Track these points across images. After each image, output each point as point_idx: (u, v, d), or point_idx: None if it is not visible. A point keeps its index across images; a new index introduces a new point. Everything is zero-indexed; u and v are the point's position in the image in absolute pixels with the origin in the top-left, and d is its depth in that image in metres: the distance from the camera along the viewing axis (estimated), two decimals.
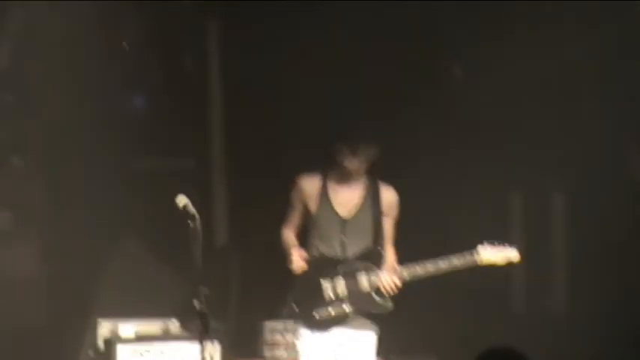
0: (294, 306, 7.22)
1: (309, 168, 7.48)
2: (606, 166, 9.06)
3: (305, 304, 7.14)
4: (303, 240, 7.39)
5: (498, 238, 7.58)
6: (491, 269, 7.98)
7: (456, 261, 7.05)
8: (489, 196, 9.02)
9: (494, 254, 7.08)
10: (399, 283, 7.03)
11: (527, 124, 9.06)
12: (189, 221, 6.55)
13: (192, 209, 6.57)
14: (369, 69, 9.12)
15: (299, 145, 8.81)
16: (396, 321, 7.68)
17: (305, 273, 7.16)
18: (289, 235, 7.25)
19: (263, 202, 7.53)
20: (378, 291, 7.05)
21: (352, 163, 7.14)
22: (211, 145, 9.60)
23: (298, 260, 7.07)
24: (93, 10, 8.78)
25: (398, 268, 7.10)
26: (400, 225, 7.49)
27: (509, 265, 7.09)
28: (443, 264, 7.05)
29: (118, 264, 8.97)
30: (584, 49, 8.92)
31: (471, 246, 7.27)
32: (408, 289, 7.61)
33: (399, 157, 8.47)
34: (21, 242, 8.89)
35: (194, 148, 9.52)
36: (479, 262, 7.03)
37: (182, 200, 6.57)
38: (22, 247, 8.97)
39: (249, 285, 8.10)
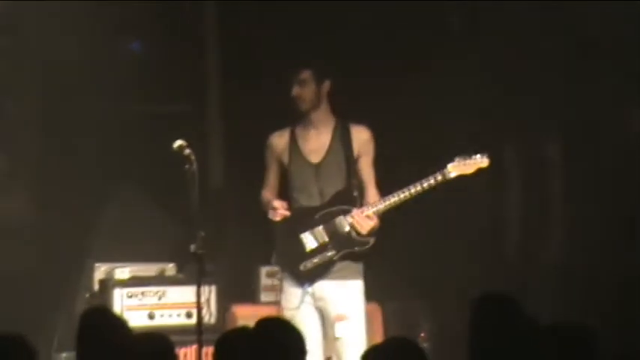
0: (279, 263, 7.20)
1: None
2: (604, 119, 8.94)
3: (289, 259, 7.11)
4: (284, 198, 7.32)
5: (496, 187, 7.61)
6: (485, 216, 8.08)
7: (428, 181, 7.07)
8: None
9: (462, 166, 7.12)
10: (372, 216, 7.02)
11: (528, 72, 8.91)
12: (185, 165, 6.67)
13: (188, 152, 6.55)
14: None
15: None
16: (387, 266, 7.76)
17: (285, 227, 7.14)
18: (264, 194, 7.23)
19: (259, 146, 7.49)
20: (356, 230, 7.08)
21: (295, 88, 7.16)
22: (208, 91, 9.57)
23: (280, 206, 7.03)
24: None
25: (370, 202, 7.09)
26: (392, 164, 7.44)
27: (479, 171, 7.09)
28: (416, 187, 7.05)
29: (115, 208, 8.98)
30: None
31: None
32: (402, 238, 7.82)
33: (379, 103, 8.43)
34: (17, 188, 8.90)
35: (191, 93, 9.50)
36: (448, 176, 7.06)
37: (178, 143, 6.71)
38: (18, 193, 8.98)
39: (245, 228, 8.15)
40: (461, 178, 7.17)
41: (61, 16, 8.83)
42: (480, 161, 7.13)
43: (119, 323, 5.33)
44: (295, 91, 7.12)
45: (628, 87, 9.01)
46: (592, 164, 8.95)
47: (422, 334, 8.14)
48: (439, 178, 7.03)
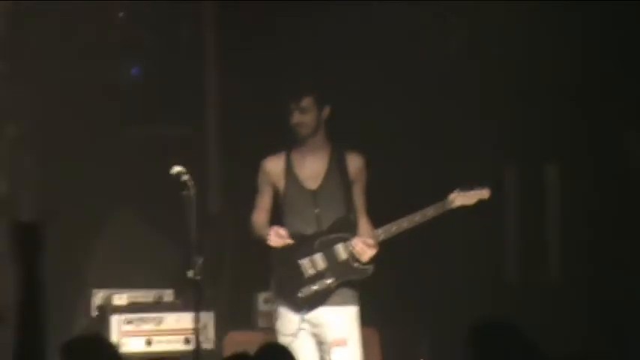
0: (276, 289, 7.15)
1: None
2: (598, 141, 8.92)
3: (287, 286, 7.05)
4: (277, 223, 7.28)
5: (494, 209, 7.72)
6: (481, 235, 8.25)
7: (429, 211, 7.03)
8: (484, 168, 8.92)
9: (464, 197, 7.10)
10: (372, 244, 6.99)
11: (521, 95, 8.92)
12: (184, 190, 6.63)
13: (187, 178, 6.63)
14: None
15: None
16: (383, 290, 7.71)
17: (283, 254, 7.09)
18: (257, 217, 7.19)
19: (257, 172, 7.49)
20: (355, 258, 6.99)
21: (295, 115, 7.09)
22: (207, 116, 9.55)
23: (285, 234, 6.99)
24: None
25: (371, 230, 7.06)
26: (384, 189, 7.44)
27: (480, 202, 7.12)
28: (416, 217, 7.02)
29: (112, 233, 8.95)
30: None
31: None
32: (397, 260, 7.75)
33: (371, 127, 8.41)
34: (17, 212, 8.78)
35: (190, 116, 9.47)
36: (450, 207, 7.01)
37: (177, 170, 6.66)
38: (21, 216, 8.65)
39: (243, 254, 8.17)
40: (462, 209, 7.15)
41: (64, 39, 8.84)
42: (481, 193, 7.12)
43: (112, 350, 5.23)
44: (296, 118, 7.07)
45: (624, 112, 8.90)
46: (589, 188, 8.90)
47: None
48: (441, 208, 7.02)
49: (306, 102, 7.04)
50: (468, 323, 5.21)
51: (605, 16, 8.64)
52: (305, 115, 7.03)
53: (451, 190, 7.04)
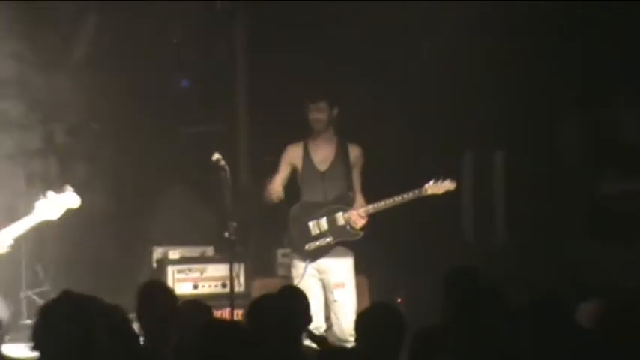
0: (289, 244, 7.08)
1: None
2: (534, 132, 8.81)
3: (298, 241, 6.99)
4: (292, 194, 7.22)
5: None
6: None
7: (407, 195, 6.92)
8: (447, 155, 8.84)
9: (436, 188, 6.99)
10: (364, 216, 6.91)
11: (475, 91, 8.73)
12: (221, 172, 6.52)
13: (223, 163, 6.50)
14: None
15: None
16: (372, 247, 7.55)
17: (296, 217, 7.03)
18: (272, 184, 7.11)
19: (277, 157, 7.43)
20: (350, 224, 6.94)
21: (313, 113, 6.97)
22: (238, 115, 9.46)
23: (275, 185, 6.98)
24: (153, 14, 8.72)
25: (364, 205, 6.97)
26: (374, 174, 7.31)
27: (448, 193, 7.08)
28: (397, 198, 6.91)
29: (169, 205, 8.87)
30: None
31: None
32: (384, 226, 7.62)
33: (363, 122, 8.25)
34: (98, 189, 8.77)
35: (225, 117, 9.39)
36: (424, 194, 6.93)
37: (216, 156, 6.55)
38: (99, 194, 8.83)
39: (266, 220, 8.04)
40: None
41: (135, 57, 8.75)
42: (449, 185, 7.02)
43: (169, 292, 5.24)
44: (314, 115, 6.95)
45: (556, 109, 8.83)
46: (527, 170, 8.83)
47: (399, 299, 8.02)
48: (417, 194, 6.91)
49: (322, 104, 6.96)
50: (436, 272, 5.50)
51: (546, 15, 8.32)
52: (321, 114, 6.95)
53: (425, 178, 6.97)
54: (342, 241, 6.94)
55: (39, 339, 3.79)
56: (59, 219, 6.78)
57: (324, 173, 7.04)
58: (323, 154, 7.07)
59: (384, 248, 8.21)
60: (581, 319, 4.68)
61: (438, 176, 7.02)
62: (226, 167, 6.51)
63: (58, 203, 6.68)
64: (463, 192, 8.97)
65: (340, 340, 6.62)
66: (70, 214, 6.90)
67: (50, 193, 6.80)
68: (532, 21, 8.39)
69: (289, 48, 8.80)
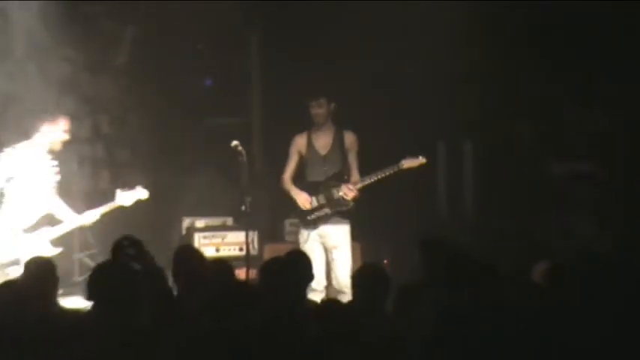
0: (296, 215, 7.07)
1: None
2: (499, 125, 8.74)
3: (302, 213, 6.95)
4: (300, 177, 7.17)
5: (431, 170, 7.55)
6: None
7: (388, 170, 6.87)
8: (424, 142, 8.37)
9: (411, 162, 6.94)
10: (354, 190, 6.85)
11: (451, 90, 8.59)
12: (239, 156, 6.54)
13: (240, 148, 6.51)
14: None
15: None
16: (364, 218, 7.44)
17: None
18: (285, 177, 7.03)
19: (286, 145, 7.45)
20: (343, 197, 6.90)
21: (314, 108, 6.91)
22: (253, 109, 9.43)
23: (304, 202, 6.89)
24: (180, 23, 8.50)
25: (355, 181, 6.92)
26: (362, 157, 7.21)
27: (421, 166, 6.99)
28: (380, 173, 6.86)
29: (196, 183, 8.83)
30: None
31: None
32: (375, 205, 7.68)
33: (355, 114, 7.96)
34: (138, 170, 8.71)
35: (241, 111, 9.33)
36: (401, 168, 6.87)
37: (235, 143, 6.56)
38: (138, 174, 8.57)
39: (277, 196, 7.80)
40: (409, 170, 6.98)
41: (170, 58, 8.68)
42: (422, 160, 6.95)
43: (199, 254, 5.23)
44: (315, 110, 6.93)
45: (518, 104, 8.58)
46: (493, 156, 8.74)
47: (385, 261, 7.98)
48: (395, 169, 6.86)
49: (322, 100, 6.95)
50: (415, 240, 5.41)
51: (515, 13, 8.08)
52: (321, 109, 6.93)
53: (403, 157, 6.94)
54: (338, 212, 6.90)
55: (93, 291, 3.92)
56: (129, 206, 6.83)
57: (324, 157, 6.99)
58: (323, 141, 7.02)
59: (374, 222, 8.23)
60: (535, 277, 4.76)
61: (412, 154, 6.99)
62: (243, 152, 6.50)
63: (132, 194, 6.76)
64: (438, 176, 8.90)
65: (338, 292, 6.60)
66: (138, 203, 6.89)
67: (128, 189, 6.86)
68: (497, 29, 8.21)
69: (297, 51, 8.67)
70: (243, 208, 6.45)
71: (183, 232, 8.00)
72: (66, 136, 6.63)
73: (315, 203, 6.91)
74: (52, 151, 6.60)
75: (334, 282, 6.76)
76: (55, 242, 6.69)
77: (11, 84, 7.61)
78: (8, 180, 6.49)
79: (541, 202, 8.45)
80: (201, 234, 7.81)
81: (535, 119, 8.65)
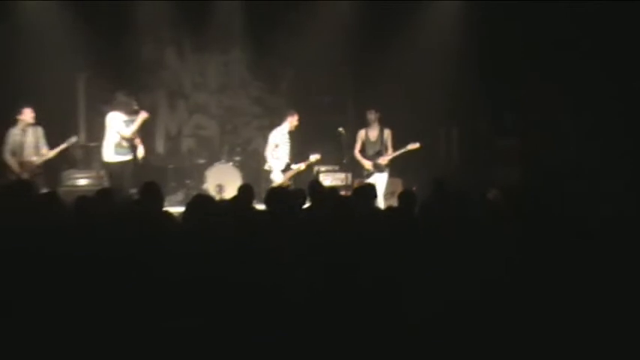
0: (365, 170, 8.87)
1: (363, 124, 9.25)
2: (483, 114, 10.41)
3: (365, 171, 8.98)
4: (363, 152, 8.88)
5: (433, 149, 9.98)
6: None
7: (400, 150, 8.85)
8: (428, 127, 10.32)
9: (413, 145, 8.94)
10: (387, 160, 8.94)
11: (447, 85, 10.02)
12: (342, 136, 8.55)
13: (342, 130, 8.30)
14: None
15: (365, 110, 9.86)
16: (404, 168, 9.54)
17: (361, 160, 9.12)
18: (356, 154, 8.98)
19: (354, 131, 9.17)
20: (381, 162, 9.01)
21: (371, 116, 8.96)
22: (347, 90, 11.16)
23: (367, 165, 8.85)
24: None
25: (386, 155, 8.83)
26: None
27: (416, 150, 8.68)
28: (397, 152, 8.89)
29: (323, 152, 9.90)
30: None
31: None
32: (408, 166, 9.53)
33: (388, 118, 9.54)
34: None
35: (338, 90, 11.10)
36: (407, 149, 8.74)
37: (339, 129, 8.52)
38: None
39: (352, 159, 9.51)
40: (413, 151, 8.77)
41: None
42: (417, 145, 8.97)
43: (321, 183, 6.42)
44: (369, 116, 9.22)
45: (501, 95, 10.02)
46: (471, 137, 10.50)
47: (414, 188, 9.36)
48: (404, 148, 8.91)
49: (373, 111, 9.29)
50: (430, 177, 6.90)
51: (498, 12, 9.21)
52: (372, 116, 9.28)
53: (408, 142, 8.96)
54: (380, 168, 9.27)
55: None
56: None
57: (374, 142, 9.22)
58: (373, 133, 9.17)
59: (410, 170, 10.02)
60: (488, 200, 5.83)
61: (414, 142, 8.86)
62: (343, 133, 9.02)
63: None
64: (439, 148, 11.16)
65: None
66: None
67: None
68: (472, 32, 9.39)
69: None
70: (344, 161, 9.67)
71: (314, 172, 10.50)
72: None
73: (370, 168, 9.42)
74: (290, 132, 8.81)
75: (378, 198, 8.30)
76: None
77: None
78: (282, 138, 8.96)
79: (491, 159, 10.29)
80: (323, 174, 10.57)
81: (491, 112, 10.34)
